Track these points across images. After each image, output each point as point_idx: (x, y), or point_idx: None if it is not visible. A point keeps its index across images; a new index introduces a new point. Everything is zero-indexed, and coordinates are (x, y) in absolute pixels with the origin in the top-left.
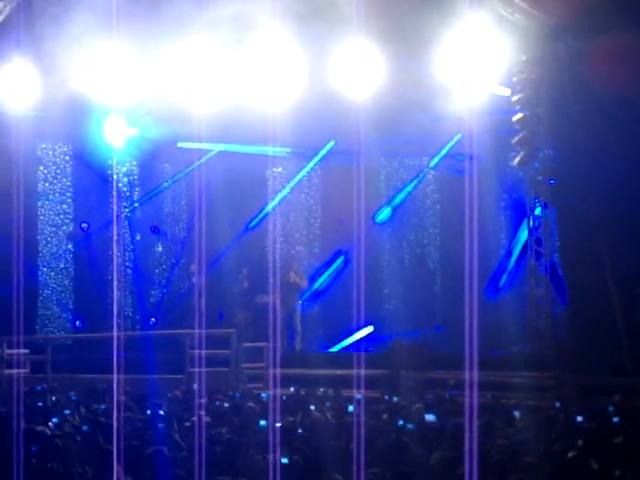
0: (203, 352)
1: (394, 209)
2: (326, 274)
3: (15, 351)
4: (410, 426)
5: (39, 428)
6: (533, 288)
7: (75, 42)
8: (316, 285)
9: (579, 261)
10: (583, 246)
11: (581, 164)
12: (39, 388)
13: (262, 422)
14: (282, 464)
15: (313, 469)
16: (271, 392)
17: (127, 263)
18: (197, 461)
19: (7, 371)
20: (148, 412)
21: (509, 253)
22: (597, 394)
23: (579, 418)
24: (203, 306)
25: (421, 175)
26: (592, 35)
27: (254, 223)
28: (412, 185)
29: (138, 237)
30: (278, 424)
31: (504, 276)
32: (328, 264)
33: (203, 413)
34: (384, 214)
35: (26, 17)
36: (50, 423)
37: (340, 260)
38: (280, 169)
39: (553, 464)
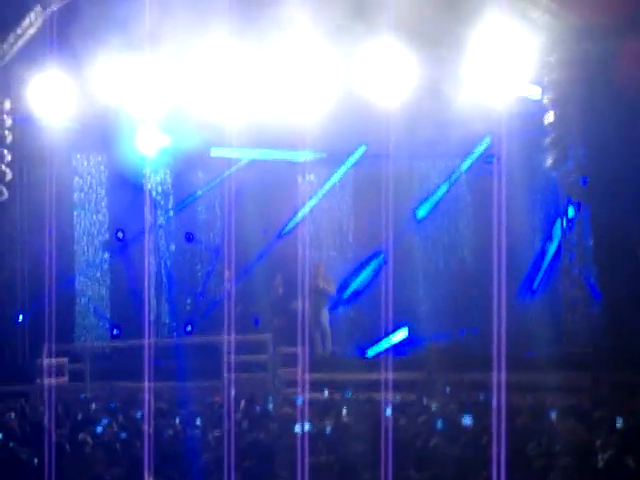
0: (239, 358)
1: (431, 208)
2: (361, 276)
3: (54, 360)
4: (444, 429)
5: (81, 436)
6: (567, 289)
7: (108, 52)
8: (350, 289)
9: (612, 260)
10: (616, 245)
11: (613, 164)
12: (82, 397)
13: (297, 427)
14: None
15: (347, 473)
16: (301, 397)
17: (162, 271)
18: (235, 468)
19: (46, 380)
20: (182, 419)
21: (543, 254)
22: (635, 393)
23: (617, 417)
24: (233, 311)
25: (453, 178)
26: (623, 35)
27: (287, 229)
28: (444, 188)
29: (173, 246)
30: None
31: (538, 277)
32: (363, 266)
33: (240, 417)
34: (425, 209)
35: (60, 28)
36: (90, 432)
37: (376, 262)
38: (312, 175)
39: (591, 464)
